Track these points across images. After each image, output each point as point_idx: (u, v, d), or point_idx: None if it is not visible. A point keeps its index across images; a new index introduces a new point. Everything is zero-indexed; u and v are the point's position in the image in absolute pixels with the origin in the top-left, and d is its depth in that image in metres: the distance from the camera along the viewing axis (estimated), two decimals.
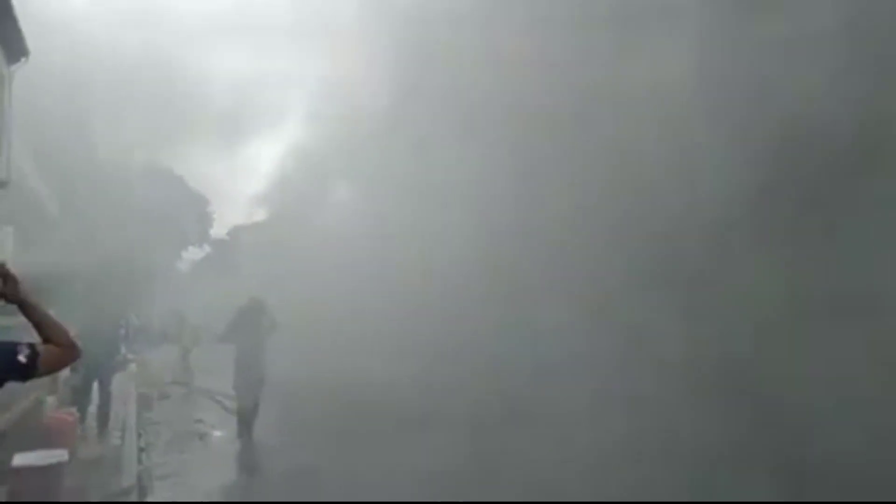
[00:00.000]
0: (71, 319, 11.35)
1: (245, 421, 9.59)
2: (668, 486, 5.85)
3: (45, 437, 8.11)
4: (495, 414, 7.95)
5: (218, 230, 35.47)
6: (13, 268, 2.85)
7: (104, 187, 22.03)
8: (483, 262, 9.28)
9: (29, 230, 15.06)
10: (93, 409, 10.50)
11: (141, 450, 9.42)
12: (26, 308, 2.77)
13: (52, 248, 15.79)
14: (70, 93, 18.03)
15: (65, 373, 10.99)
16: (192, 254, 35.38)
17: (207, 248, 35.55)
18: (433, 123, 11.68)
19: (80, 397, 10.28)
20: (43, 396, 9.68)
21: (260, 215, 28.65)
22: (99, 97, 21.56)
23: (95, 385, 10.33)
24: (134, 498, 7.26)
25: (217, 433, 10.93)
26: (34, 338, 2.86)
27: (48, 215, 15.90)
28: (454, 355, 8.98)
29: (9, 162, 8.49)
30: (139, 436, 10.09)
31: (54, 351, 2.80)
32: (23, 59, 8.35)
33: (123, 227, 22.71)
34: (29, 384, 8.58)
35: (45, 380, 10.12)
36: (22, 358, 2.72)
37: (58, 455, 7.05)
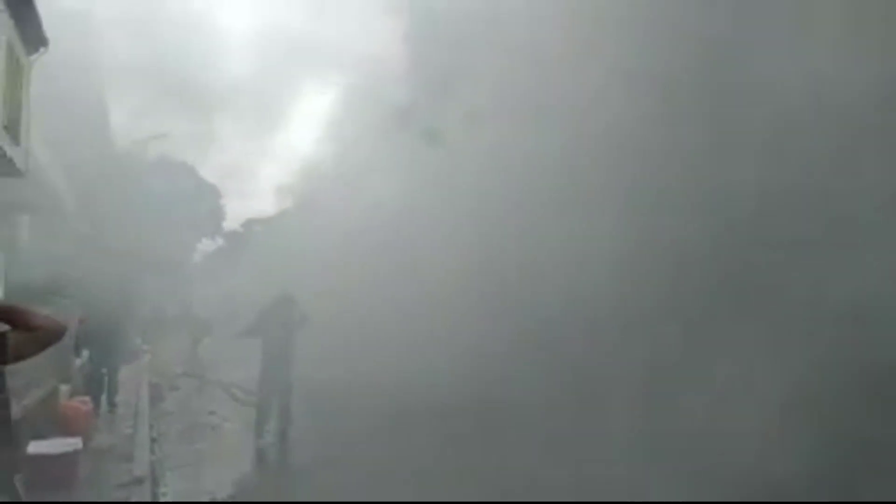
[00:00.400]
0: (81, 308, 11.47)
1: (264, 417, 9.23)
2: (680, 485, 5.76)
3: (59, 426, 8.16)
4: (525, 411, 7.77)
5: (231, 223, 35.61)
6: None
7: (119, 178, 22.16)
8: (514, 257, 9.08)
9: (44, 220, 15.17)
10: (104, 397, 10.58)
11: (153, 440, 9.44)
12: None
13: (67, 238, 15.91)
14: (86, 82, 18.13)
15: (79, 361, 11.09)
16: (206, 246, 35.51)
17: (220, 241, 35.69)
18: (463, 114, 11.62)
19: (92, 386, 10.36)
20: (57, 384, 9.73)
21: (275, 208, 28.77)
22: (115, 87, 21.69)
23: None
24: (147, 487, 7.28)
25: (229, 425, 10.95)
26: None
27: (64, 206, 15.98)
28: (481, 350, 8.75)
29: (27, 152, 8.52)
30: (151, 426, 10.11)
31: (23, 337, 2.73)
32: (42, 49, 8.37)
33: (136, 218, 22.87)
34: (43, 372, 8.57)
35: (58, 367, 10.19)
36: None
37: (72, 443, 7.10)
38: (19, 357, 2.79)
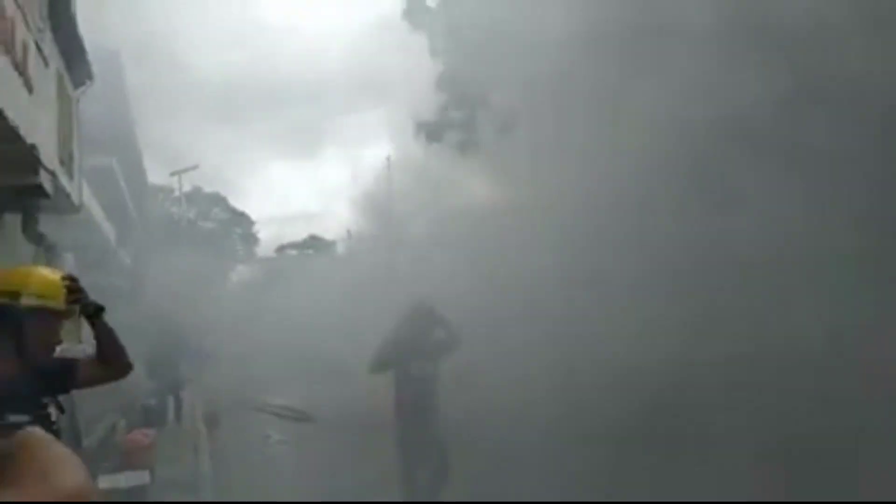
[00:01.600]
0: (134, 342, 11.52)
1: (413, 462, 6.87)
2: None
3: (123, 459, 8.12)
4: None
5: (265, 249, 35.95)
6: None
7: (155, 210, 22.45)
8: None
9: (88, 256, 15.32)
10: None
11: (215, 469, 9.38)
12: (96, 321, 2.86)
13: (110, 272, 16.06)
14: (118, 119, 18.40)
15: (136, 392, 11.13)
16: (240, 273, 35.80)
17: (256, 267, 35.98)
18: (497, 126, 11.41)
19: (152, 416, 10.43)
20: (118, 419, 9.75)
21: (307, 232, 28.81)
22: (149, 119, 22.03)
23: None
24: None
25: (287, 448, 10.92)
26: None
27: (105, 240, 16.13)
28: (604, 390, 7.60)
29: (80, 187, 8.55)
30: (212, 455, 10.05)
31: (98, 370, 2.92)
32: (88, 83, 8.43)
33: (173, 248, 23.13)
34: (102, 406, 8.61)
35: (117, 401, 10.22)
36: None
37: (141, 476, 7.05)
38: (86, 386, 2.98)
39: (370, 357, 6.99)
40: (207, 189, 29.13)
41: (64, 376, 2.82)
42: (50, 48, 6.63)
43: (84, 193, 11.72)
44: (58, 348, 2.91)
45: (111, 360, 2.92)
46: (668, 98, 7.95)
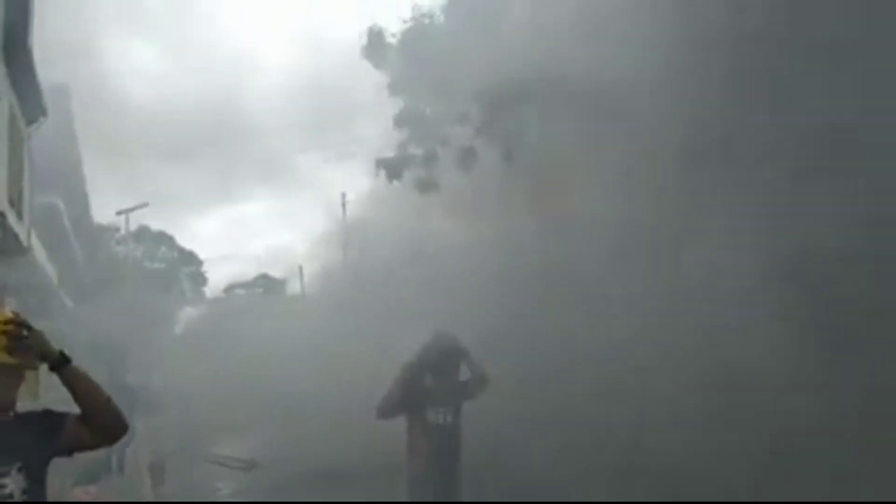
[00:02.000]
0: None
1: None
2: None
3: None
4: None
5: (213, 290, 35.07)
6: None
7: (100, 251, 21.66)
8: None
9: (29, 299, 14.59)
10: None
11: None
12: (62, 372, 2.41)
13: (52, 316, 15.31)
14: (64, 155, 17.79)
15: None
16: (188, 314, 34.81)
17: (203, 308, 35.04)
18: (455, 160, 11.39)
19: (97, 470, 9.85)
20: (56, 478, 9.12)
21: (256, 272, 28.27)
22: (93, 157, 21.42)
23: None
24: None
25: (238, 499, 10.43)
26: None
27: (48, 282, 15.40)
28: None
29: (29, 228, 8.06)
30: None
31: (80, 429, 2.43)
32: (42, 119, 8.05)
33: (117, 289, 22.31)
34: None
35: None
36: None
37: None
38: (76, 449, 2.50)
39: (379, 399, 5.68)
40: (154, 228, 28.48)
41: (48, 435, 2.40)
42: (2, 82, 6.29)
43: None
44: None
45: (91, 420, 2.43)
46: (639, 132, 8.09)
